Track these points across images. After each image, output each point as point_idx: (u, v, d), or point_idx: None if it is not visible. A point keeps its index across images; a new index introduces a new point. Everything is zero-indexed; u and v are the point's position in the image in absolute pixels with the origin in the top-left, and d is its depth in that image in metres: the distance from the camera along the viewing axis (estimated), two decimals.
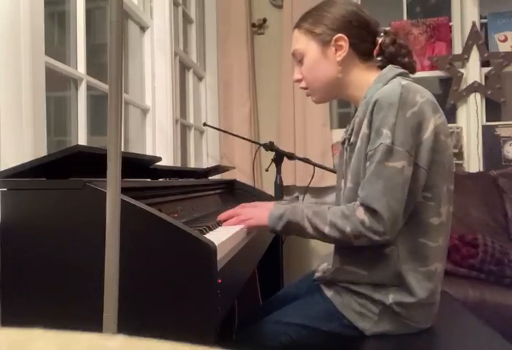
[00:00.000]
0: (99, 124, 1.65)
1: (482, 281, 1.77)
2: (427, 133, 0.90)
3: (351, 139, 1.00)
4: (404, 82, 0.92)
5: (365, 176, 0.92)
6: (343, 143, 1.09)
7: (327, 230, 0.91)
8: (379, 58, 1.04)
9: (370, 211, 0.87)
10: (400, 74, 0.98)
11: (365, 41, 1.03)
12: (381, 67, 1.04)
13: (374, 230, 0.86)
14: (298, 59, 1.08)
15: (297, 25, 1.08)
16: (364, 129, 0.94)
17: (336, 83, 1.05)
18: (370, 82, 1.00)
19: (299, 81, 1.11)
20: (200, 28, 2.75)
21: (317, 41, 1.04)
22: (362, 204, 0.88)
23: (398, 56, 1.03)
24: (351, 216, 0.88)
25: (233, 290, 0.86)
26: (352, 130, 1.00)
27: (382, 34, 1.04)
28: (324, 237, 0.93)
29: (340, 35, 1.01)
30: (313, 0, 1.12)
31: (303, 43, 1.06)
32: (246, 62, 2.65)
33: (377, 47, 1.04)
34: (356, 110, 1.08)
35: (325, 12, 1.03)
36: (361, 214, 0.88)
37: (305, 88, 1.11)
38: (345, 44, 1.01)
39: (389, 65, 1.01)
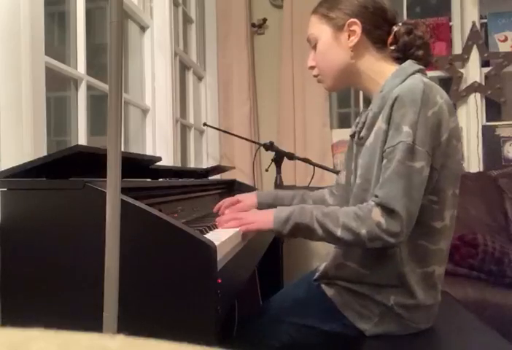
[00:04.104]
0: (99, 124, 1.65)
1: (482, 281, 1.77)
2: (444, 136, 0.89)
3: (362, 133, 0.98)
4: (426, 79, 0.90)
5: (376, 173, 0.90)
6: (352, 136, 1.06)
7: (339, 232, 0.86)
8: (393, 48, 1.02)
9: (388, 211, 0.84)
10: (419, 71, 0.96)
11: (379, 28, 1.01)
12: (396, 58, 1.01)
13: (391, 232, 0.83)
14: (312, 44, 1.06)
15: (314, 11, 1.06)
16: (380, 123, 0.91)
17: (348, 70, 1.03)
18: (386, 75, 0.98)
19: (312, 68, 1.08)
20: (200, 28, 2.75)
21: (331, 26, 1.02)
22: (378, 204, 0.85)
23: (412, 47, 1.00)
24: (367, 218, 0.85)
25: (233, 290, 0.86)
26: (364, 123, 0.98)
27: (400, 24, 1.02)
28: (335, 240, 0.89)
29: (353, 20, 0.99)
30: (314, 0, 1.12)
31: (317, 27, 1.04)
32: (246, 62, 2.65)
33: (391, 36, 1.01)
34: (369, 103, 1.06)
35: None
36: (377, 215, 0.84)
37: (317, 75, 1.08)
38: (358, 29, 0.99)
39: (409, 61, 0.98)
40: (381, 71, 1.00)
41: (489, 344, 0.96)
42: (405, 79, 0.93)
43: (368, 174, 0.93)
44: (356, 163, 1.01)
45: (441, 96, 0.89)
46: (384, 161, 0.88)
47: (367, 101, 1.05)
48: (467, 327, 1.04)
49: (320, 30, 1.04)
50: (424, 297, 0.93)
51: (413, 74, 0.95)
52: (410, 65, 0.97)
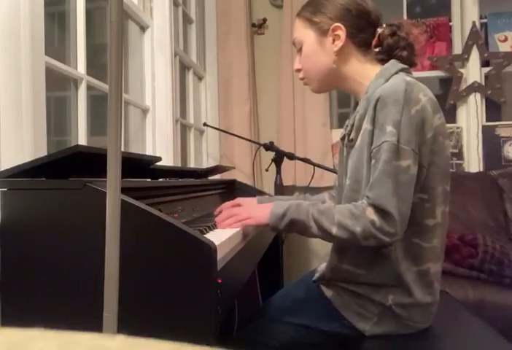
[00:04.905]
0: (99, 124, 1.65)
1: (482, 281, 1.77)
2: (430, 133, 0.89)
3: (351, 135, 0.98)
4: (408, 78, 0.91)
5: (366, 173, 0.90)
6: (342, 139, 1.07)
7: (334, 230, 0.87)
8: (377, 50, 1.02)
9: (381, 211, 0.84)
10: (402, 70, 0.96)
11: (363, 31, 1.01)
12: (381, 60, 1.01)
13: (385, 231, 0.84)
14: (298, 47, 1.07)
15: (298, 14, 1.07)
16: (365, 125, 0.92)
17: (333, 74, 1.03)
18: (371, 76, 0.98)
19: (299, 71, 1.09)
20: (200, 28, 2.75)
21: (315, 30, 1.03)
22: (371, 204, 0.85)
23: (397, 48, 1.00)
24: (361, 216, 0.85)
25: (233, 290, 0.86)
26: (352, 125, 0.98)
27: (384, 25, 1.02)
28: (330, 237, 0.90)
29: (337, 24, 0.99)
30: None
31: (302, 31, 1.05)
32: (246, 62, 2.65)
33: (375, 38, 1.02)
34: (356, 105, 1.07)
35: (326, 0, 1.02)
36: (371, 214, 0.85)
37: (302, 78, 1.10)
38: (342, 33, 0.99)
39: (392, 60, 0.99)
40: (367, 73, 1.00)
41: (488, 344, 0.96)
42: (389, 79, 0.94)
43: (357, 175, 0.93)
44: (346, 165, 1.01)
45: (424, 94, 0.90)
46: (373, 161, 0.89)
47: None
48: (467, 327, 1.04)
49: (305, 34, 1.04)
50: (421, 296, 0.93)
51: (396, 73, 0.95)
52: (392, 64, 0.97)
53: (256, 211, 1.00)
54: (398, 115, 0.86)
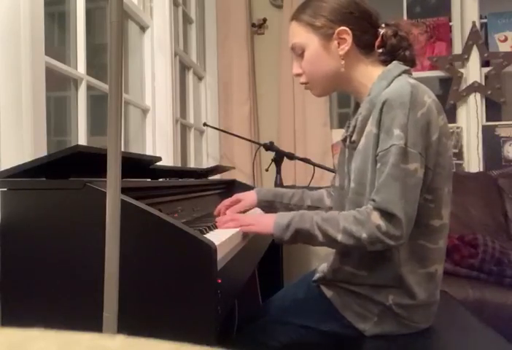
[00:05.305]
0: (99, 124, 1.65)
1: (482, 281, 1.77)
2: (435, 135, 0.89)
3: (354, 137, 0.98)
4: (412, 80, 0.90)
5: (371, 176, 0.90)
6: (343, 140, 1.06)
7: (340, 237, 0.87)
8: (380, 50, 1.00)
9: (387, 215, 0.84)
10: (405, 72, 0.96)
11: (366, 33, 0.99)
12: (383, 61, 1.01)
13: (391, 234, 0.84)
14: (298, 53, 1.03)
15: (296, 17, 1.03)
16: (370, 127, 0.92)
17: (338, 77, 1.02)
18: (374, 78, 0.97)
19: (299, 75, 1.06)
20: (200, 28, 2.75)
21: (318, 35, 0.99)
22: (377, 208, 0.85)
23: (400, 48, 0.99)
24: (366, 222, 0.85)
25: (233, 290, 0.86)
26: (354, 127, 0.98)
27: (384, 26, 1.01)
28: (336, 244, 0.89)
29: (343, 28, 0.97)
30: None
31: (303, 36, 1.01)
32: (246, 62, 2.65)
33: (379, 39, 1.00)
34: (356, 106, 1.06)
35: (324, 2, 0.99)
36: (376, 218, 0.84)
37: (305, 83, 1.06)
38: (348, 37, 0.97)
39: (395, 62, 0.98)
40: (370, 75, 0.99)
41: (488, 344, 0.96)
42: (392, 81, 0.93)
43: (362, 178, 0.93)
44: (349, 167, 1.01)
45: (429, 96, 0.89)
46: (378, 165, 0.88)
47: None
48: (467, 327, 1.04)
49: (307, 39, 1.01)
50: (423, 297, 0.93)
51: (399, 75, 0.94)
52: (395, 66, 0.97)
53: (259, 219, 0.99)
54: (405, 118, 0.85)
